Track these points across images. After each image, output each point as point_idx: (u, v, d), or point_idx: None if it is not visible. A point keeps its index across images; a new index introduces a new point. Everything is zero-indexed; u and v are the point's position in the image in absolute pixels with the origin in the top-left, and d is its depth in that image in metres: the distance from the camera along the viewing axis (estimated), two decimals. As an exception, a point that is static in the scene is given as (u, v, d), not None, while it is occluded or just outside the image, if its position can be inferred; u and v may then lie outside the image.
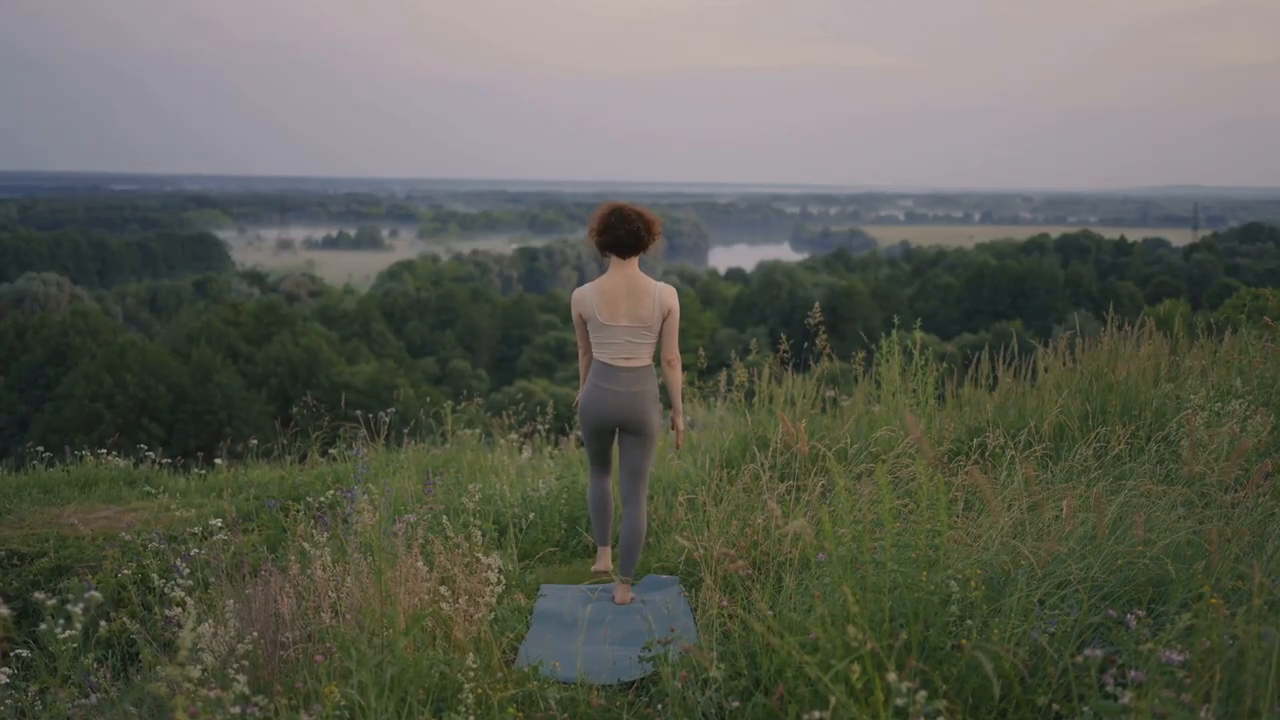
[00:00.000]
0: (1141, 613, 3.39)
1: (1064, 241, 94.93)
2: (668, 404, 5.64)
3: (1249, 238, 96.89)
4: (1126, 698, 2.78)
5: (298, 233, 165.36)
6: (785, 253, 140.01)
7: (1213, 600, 3.09)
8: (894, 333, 7.51)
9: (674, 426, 5.60)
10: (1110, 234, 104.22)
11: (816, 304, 7.97)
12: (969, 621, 3.46)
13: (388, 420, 7.96)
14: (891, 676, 2.73)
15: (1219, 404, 6.09)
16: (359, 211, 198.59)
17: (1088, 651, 2.93)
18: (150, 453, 9.28)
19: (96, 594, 3.47)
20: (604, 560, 5.76)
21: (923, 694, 2.74)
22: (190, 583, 4.84)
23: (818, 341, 7.57)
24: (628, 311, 5.24)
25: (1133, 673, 2.82)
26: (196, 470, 8.97)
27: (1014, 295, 69.21)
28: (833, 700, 2.91)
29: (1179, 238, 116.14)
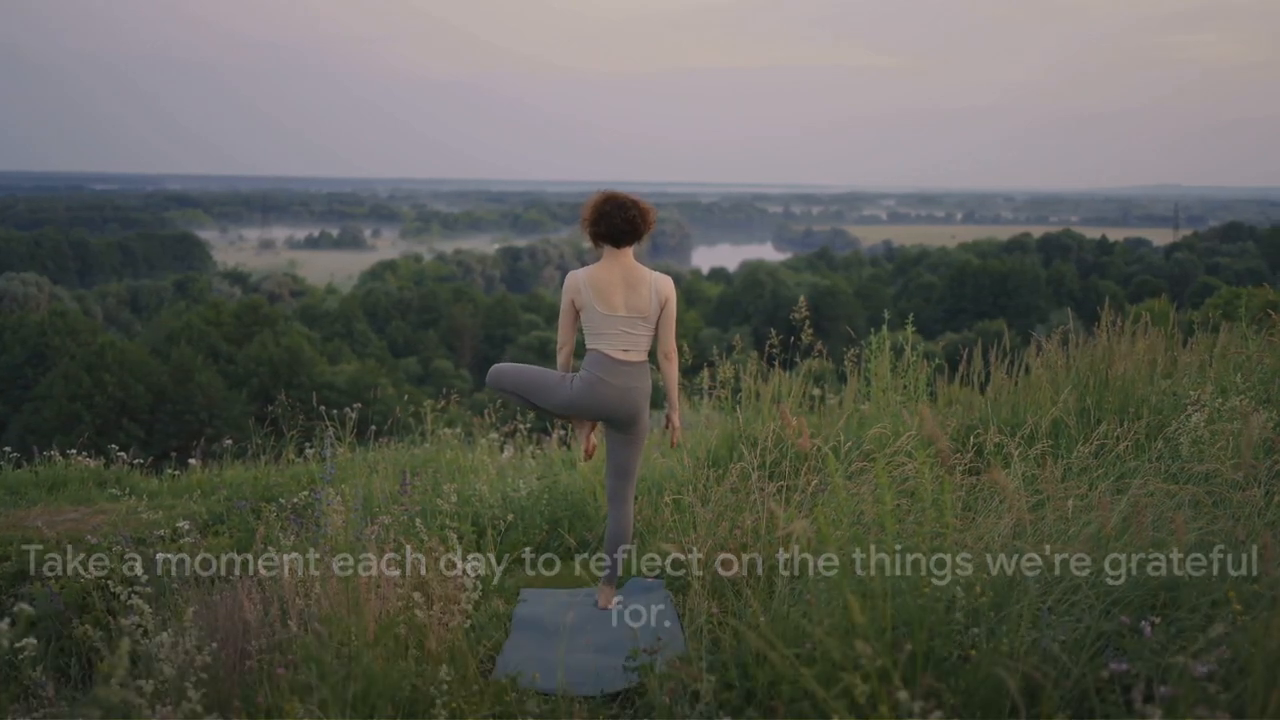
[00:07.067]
0: (1157, 619, 3.20)
1: (1046, 241, 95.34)
2: (656, 401, 5.43)
3: (1229, 237, 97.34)
4: (1156, 716, 2.56)
5: (279, 232, 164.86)
6: (768, 252, 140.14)
7: (1236, 607, 2.90)
8: (883, 329, 7.32)
9: (670, 423, 5.40)
10: (1092, 233, 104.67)
11: (802, 298, 7.78)
12: (975, 629, 3.26)
13: (354, 416, 7.78)
14: (903, 694, 2.52)
15: (1220, 400, 5.93)
16: (341, 211, 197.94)
17: (1112, 665, 2.72)
18: (122, 453, 9.03)
19: (28, 608, 3.24)
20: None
21: (938, 714, 2.53)
22: (151, 589, 4.62)
23: (803, 335, 7.37)
24: (624, 302, 5.03)
25: (1162, 688, 2.61)
26: (170, 471, 8.73)
27: (996, 294, 69.28)
28: (835, 719, 2.70)
29: (1160, 237, 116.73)
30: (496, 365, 5.34)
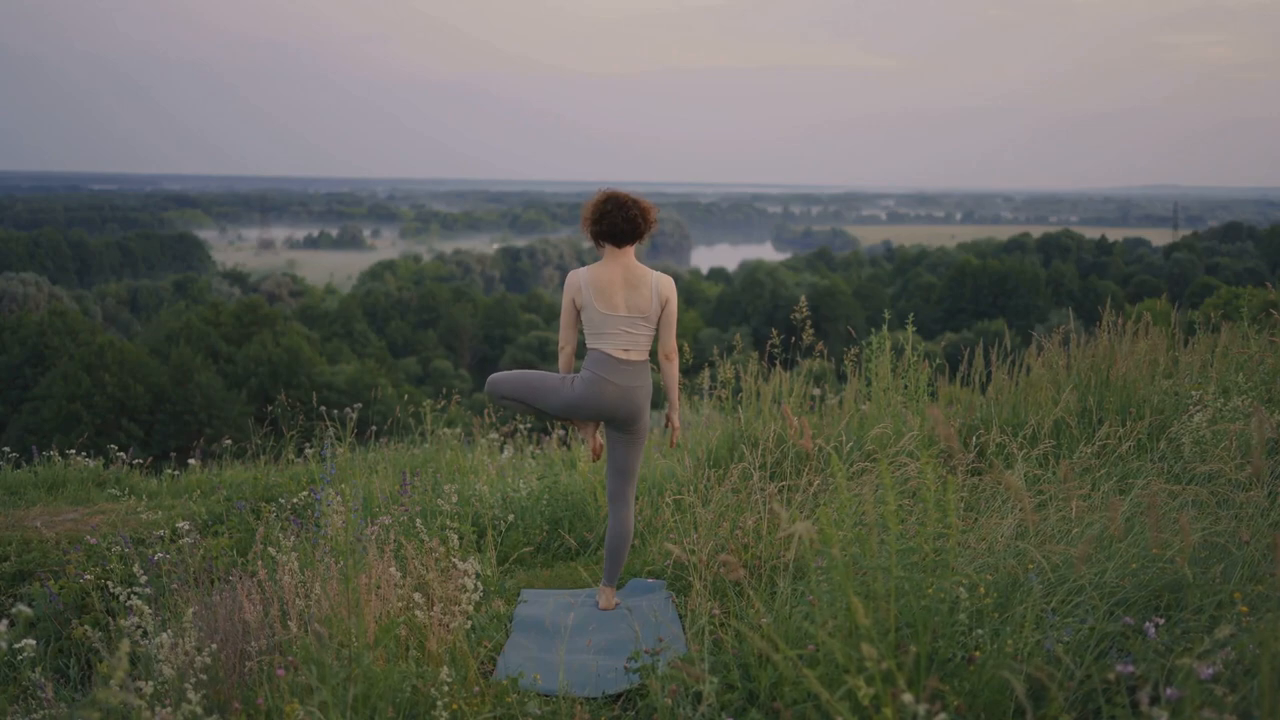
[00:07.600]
0: (1161, 620, 3.18)
1: (1045, 241, 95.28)
2: (656, 401, 5.41)
3: (1228, 237, 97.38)
4: (1162, 719, 2.53)
5: (279, 232, 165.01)
6: (767, 252, 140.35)
7: (1242, 609, 2.88)
8: (883, 328, 7.29)
9: (670, 423, 5.38)
10: (1091, 233, 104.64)
11: (803, 297, 7.76)
12: (979, 631, 3.24)
13: (354, 416, 7.77)
14: (907, 697, 2.50)
15: (1222, 400, 5.91)
16: (340, 211, 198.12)
17: (1119, 667, 2.70)
18: (121, 453, 9.02)
19: (27, 609, 3.22)
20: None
21: (943, 717, 2.51)
22: (150, 590, 4.60)
23: (804, 335, 7.35)
24: (625, 302, 5.01)
25: (1168, 690, 2.59)
26: (169, 471, 8.72)
27: (995, 294, 69.22)
28: (838, 720, 2.69)
29: (1159, 237, 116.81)
30: (494, 375, 5.30)
